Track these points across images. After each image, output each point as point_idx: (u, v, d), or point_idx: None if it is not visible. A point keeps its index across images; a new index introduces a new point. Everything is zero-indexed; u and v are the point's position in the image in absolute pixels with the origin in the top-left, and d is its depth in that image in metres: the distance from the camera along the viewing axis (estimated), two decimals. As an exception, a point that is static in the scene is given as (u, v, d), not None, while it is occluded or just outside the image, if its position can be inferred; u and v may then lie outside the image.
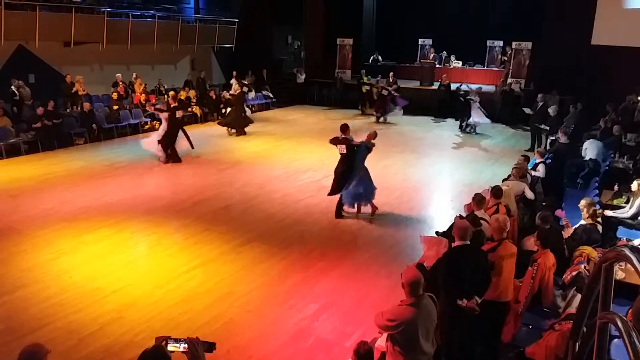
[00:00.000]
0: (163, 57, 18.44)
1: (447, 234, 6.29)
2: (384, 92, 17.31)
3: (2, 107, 12.52)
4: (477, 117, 15.28)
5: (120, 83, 15.51)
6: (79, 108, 14.00)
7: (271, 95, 20.42)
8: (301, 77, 21.06)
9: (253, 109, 19.22)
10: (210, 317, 5.42)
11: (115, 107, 14.76)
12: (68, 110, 14.07)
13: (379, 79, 18.31)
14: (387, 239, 7.60)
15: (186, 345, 2.65)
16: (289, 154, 12.80)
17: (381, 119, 17.38)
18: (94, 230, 7.65)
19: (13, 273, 6.27)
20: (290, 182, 10.36)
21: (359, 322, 5.33)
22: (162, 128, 11.63)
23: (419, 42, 21.84)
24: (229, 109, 15.80)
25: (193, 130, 13.95)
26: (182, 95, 16.44)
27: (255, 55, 20.88)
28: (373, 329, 4.89)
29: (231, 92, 15.99)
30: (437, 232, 6.88)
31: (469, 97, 15.62)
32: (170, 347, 2.58)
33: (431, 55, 20.72)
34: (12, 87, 13.41)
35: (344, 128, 8.36)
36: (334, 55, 21.30)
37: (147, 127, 15.28)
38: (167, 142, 11.52)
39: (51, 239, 7.30)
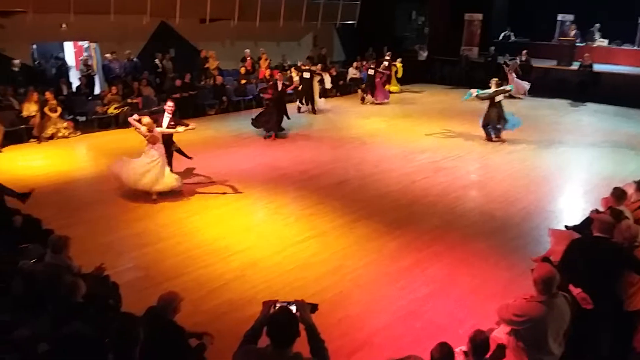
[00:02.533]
0: (288, 34, 18.96)
1: (578, 229, 5.78)
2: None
3: (146, 78, 13.89)
4: None
5: (248, 58, 16.33)
6: (211, 81, 15.05)
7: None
8: (423, 55, 20.39)
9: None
10: (322, 287, 5.58)
11: (243, 81, 15.60)
12: (202, 82, 15.16)
13: (507, 58, 17.09)
14: (510, 229, 7.16)
15: (296, 307, 2.79)
16: (406, 134, 12.57)
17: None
18: (220, 195, 8.25)
19: (153, 227, 7.03)
20: (407, 162, 10.19)
21: (474, 311, 5.14)
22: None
23: (558, 18, 19.89)
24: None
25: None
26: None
27: (376, 32, 20.59)
28: (489, 319, 4.69)
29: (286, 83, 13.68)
30: (566, 226, 6.32)
31: None
32: None
33: (572, 33, 18.76)
34: (157, 60, 14.79)
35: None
36: (460, 31, 20.24)
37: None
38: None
39: (185, 199, 8.03)
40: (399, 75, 18.16)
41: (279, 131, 11.93)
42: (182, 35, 16.19)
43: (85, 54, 15.39)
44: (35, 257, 4.67)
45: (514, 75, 16.75)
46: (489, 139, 11.71)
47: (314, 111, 14.75)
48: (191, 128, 8.15)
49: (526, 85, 16.93)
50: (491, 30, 20.38)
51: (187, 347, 3.79)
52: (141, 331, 2.95)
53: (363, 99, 16.51)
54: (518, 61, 17.29)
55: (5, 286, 4.40)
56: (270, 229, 7.11)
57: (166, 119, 8.06)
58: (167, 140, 8.21)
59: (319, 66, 16.64)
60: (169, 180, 7.86)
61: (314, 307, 2.90)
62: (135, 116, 7.92)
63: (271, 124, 11.81)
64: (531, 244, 6.61)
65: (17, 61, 12.53)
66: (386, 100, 16.28)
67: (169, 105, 8.14)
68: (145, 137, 7.64)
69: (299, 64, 15.74)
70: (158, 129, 7.74)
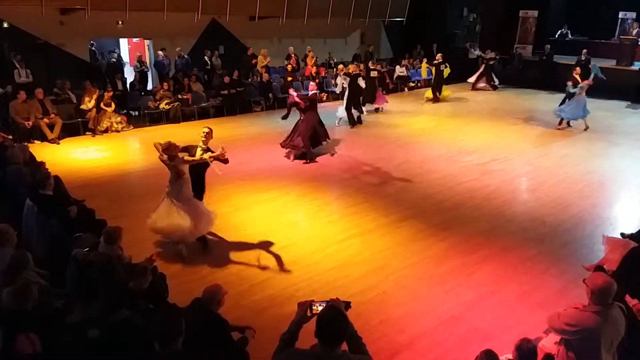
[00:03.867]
0: (335, 31, 18.95)
1: (635, 237, 5.49)
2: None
3: (195, 75, 14.23)
4: None
5: (293, 56, 16.42)
6: (258, 78, 15.25)
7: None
8: (474, 53, 19.85)
9: (419, 84, 18.84)
10: (364, 287, 5.53)
11: (289, 79, 15.72)
12: (249, 80, 15.39)
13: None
14: (560, 235, 6.87)
15: (332, 305, 2.79)
16: (453, 133, 12.28)
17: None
18: (265, 190, 8.34)
19: (199, 220, 7.16)
20: (453, 163, 9.95)
21: (521, 318, 4.96)
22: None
23: (620, 16, 18.92)
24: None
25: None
26: (350, 69, 16.78)
27: (426, 29, 20.25)
28: (536, 327, 4.53)
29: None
30: (622, 234, 6.01)
31: None
32: (317, 308, 2.79)
33: (634, 31, 17.79)
34: (205, 57, 15.13)
35: None
36: (513, 28, 19.62)
37: (315, 98, 16.00)
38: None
39: (230, 194, 8.16)
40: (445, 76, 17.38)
41: (314, 147, 10.05)
42: (231, 32, 16.49)
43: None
44: (89, 246, 4.86)
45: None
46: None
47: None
48: (220, 155, 6.16)
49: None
50: (547, 27, 19.61)
51: (230, 339, 3.85)
52: (183, 322, 3.00)
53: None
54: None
55: (62, 273, 4.62)
56: (314, 226, 7.12)
57: (199, 150, 6.38)
58: (198, 171, 6.49)
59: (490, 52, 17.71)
60: (176, 221, 5.89)
61: (347, 305, 2.89)
62: (163, 143, 6.18)
63: (300, 142, 9.78)
64: (583, 252, 6.32)
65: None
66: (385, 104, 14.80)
67: (204, 131, 6.45)
68: (166, 165, 6.09)
69: (369, 64, 14.72)
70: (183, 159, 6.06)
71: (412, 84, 18.73)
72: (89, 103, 11.70)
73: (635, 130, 12.66)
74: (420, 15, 19.96)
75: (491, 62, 18.08)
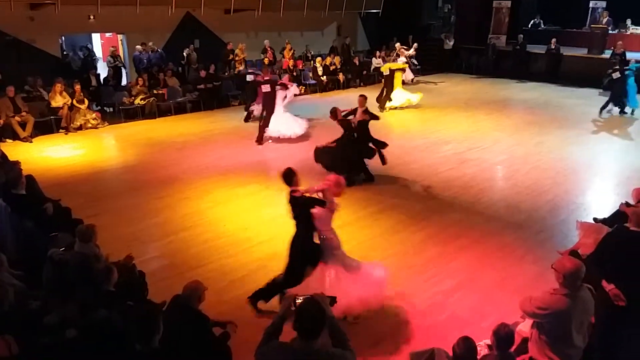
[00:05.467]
0: (311, 24, 18.88)
1: (608, 222, 5.62)
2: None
3: (171, 69, 14.04)
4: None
5: (269, 49, 16.31)
6: (235, 72, 15.12)
7: (416, 62, 19.80)
8: (449, 43, 20.04)
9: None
10: (345, 278, 5.56)
11: (267, 72, 15.61)
12: (226, 73, 15.24)
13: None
14: (536, 222, 7.01)
15: (310, 298, 2.80)
16: (430, 124, 12.40)
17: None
18: (245, 185, 8.30)
19: (177, 217, 7.12)
20: (431, 153, 10.05)
21: (498, 304, 5.06)
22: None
23: (590, 5, 19.30)
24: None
25: (336, 96, 14.24)
26: (328, 61, 16.78)
27: (401, 21, 20.32)
28: (514, 313, 4.61)
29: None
30: (595, 219, 6.16)
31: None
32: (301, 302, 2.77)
33: (604, 20, 18.19)
34: (185, 52, 14.94)
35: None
36: (487, 19, 19.85)
37: (293, 91, 15.94)
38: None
39: (209, 189, 8.10)
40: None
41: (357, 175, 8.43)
42: (206, 26, 16.28)
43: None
44: (65, 246, 4.78)
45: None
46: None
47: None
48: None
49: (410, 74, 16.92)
50: (520, 17, 19.90)
51: (212, 335, 3.84)
52: (161, 320, 2.98)
53: None
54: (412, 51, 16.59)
55: (38, 274, 4.53)
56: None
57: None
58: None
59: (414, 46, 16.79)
60: None
61: (332, 300, 2.91)
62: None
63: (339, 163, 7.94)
64: (558, 237, 6.47)
65: None
66: None
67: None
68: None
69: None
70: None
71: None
72: (58, 100, 11.41)
73: (607, 118, 12.96)
74: (395, 7, 20.03)
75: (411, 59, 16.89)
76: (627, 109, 13.04)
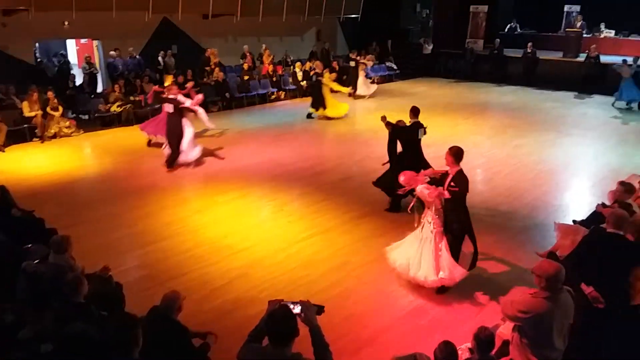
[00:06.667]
0: (291, 29, 18.89)
1: (585, 223, 5.71)
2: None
3: (148, 75, 13.87)
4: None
5: (248, 54, 16.25)
6: (214, 77, 15.00)
7: (395, 67, 19.98)
8: (428, 48, 20.25)
9: (376, 80, 19.05)
10: (327, 284, 5.54)
11: (246, 77, 15.55)
12: (205, 79, 15.12)
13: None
14: (515, 224, 7.10)
15: (300, 308, 2.76)
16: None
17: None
18: (225, 192, 8.22)
19: (157, 226, 7.01)
20: (411, 157, 10.08)
21: (480, 307, 5.10)
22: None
23: (565, 9, 19.71)
24: None
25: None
26: (307, 66, 16.78)
27: (380, 25, 20.48)
28: (494, 315, 4.66)
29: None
30: (574, 221, 6.25)
31: None
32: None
33: (578, 24, 18.59)
34: (159, 57, 14.77)
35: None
36: (465, 24, 20.11)
37: (273, 97, 15.93)
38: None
39: (188, 197, 8.01)
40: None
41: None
42: (184, 31, 16.16)
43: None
44: (39, 258, 4.65)
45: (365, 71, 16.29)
46: None
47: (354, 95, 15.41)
48: None
49: (374, 87, 16.39)
50: (497, 22, 20.22)
51: (191, 346, 3.76)
52: (140, 331, 2.92)
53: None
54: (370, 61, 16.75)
55: (10, 287, 4.40)
56: (275, 227, 7.08)
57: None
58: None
59: (368, 56, 17.24)
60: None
61: (320, 309, 2.85)
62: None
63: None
64: (537, 239, 6.55)
65: None
66: None
67: None
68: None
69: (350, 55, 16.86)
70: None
71: (368, 80, 18.88)
72: (32, 108, 11.15)
73: (583, 120, 13.23)
74: (374, 12, 20.17)
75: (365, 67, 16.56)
76: None
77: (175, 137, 9.24)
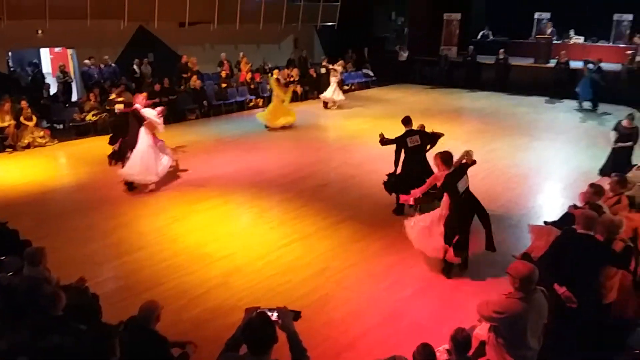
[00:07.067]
0: (268, 37, 18.93)
1: (557, 224, 5.86)
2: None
3: (124, 84, 13.72)
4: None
5: (225, 62, 16.22)
6: (190, 85, 14.92)
7: (371, 74, 20.17)
8: (403, 55, 20.51)
9: (353, 87, 19.21)
10: (307, 290, 5.57)
11: (224, 85, 15.51)
12: (182, 87, 15.04)
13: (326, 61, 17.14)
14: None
15: (277, 314, 2.77)
16: (388, 134, 12.54)
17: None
18: (203, 200, 8.18)
19: (133, 236, 6.93)
20: (388, 163, 10.16)
21: (457, 309, 5.18)
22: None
23: (535, 16, 20.21)
24: None
25: (295, 107, 14.27)
26: (285, 73, 16.83)
27: (356, 33, 20.67)
28: (471, 317, 4.73)
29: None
30: (545, 222, 6.41)
31: None
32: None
33: (548, 31, 19.09)
34: (134, 65, 14.62)
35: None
36: (439, 31, 20.44)
37: (251, 104, 15.92)
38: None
39: (165, 206, 7.94)
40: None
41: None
42: (161, 39, 16.05)
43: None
44: (13, 270, 4.56)
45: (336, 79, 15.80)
46: None
47: (325, 106, 15.60)
48: None
49: (341, 96, 15.87)
50: (470, 29, 20.60)
51: (170, 356, 3.74)
52: (117, 342, 2.90)
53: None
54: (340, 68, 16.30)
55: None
56: (254, 234, 7.07)
57: None
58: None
59: (339, 62, 16.44)
60: None
61: (297, 315, 2.86)
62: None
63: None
64: (512, 241, 6.69)
65: None
66: None
67: None
68: None
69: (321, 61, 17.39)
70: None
71: (345, 87, 19.04)
72: (4, 118, 10.93)
73: (554, 124, 13.57)
74: (350, 20, 20.37)
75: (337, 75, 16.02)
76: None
77: (129, 143, 8.70)
